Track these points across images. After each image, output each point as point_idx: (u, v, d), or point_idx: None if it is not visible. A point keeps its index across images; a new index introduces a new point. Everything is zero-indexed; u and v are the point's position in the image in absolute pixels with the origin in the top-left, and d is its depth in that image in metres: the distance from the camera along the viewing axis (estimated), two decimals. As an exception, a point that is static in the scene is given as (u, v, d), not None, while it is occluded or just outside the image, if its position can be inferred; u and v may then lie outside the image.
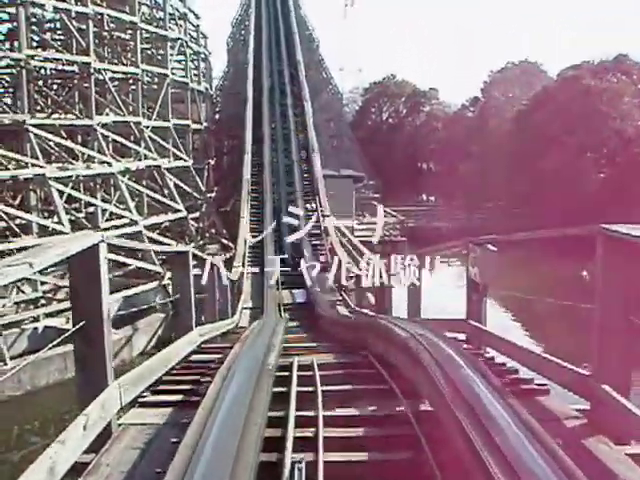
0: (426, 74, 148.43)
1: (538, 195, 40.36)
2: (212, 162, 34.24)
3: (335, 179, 34.13)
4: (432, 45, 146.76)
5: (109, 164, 23.30)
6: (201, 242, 30.63)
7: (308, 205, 26.03)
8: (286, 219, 25.01)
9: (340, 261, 19.18)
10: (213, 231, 32.00)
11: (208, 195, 32.35)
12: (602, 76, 41.79)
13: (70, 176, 22.93)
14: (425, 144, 66.20)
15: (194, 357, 7.53)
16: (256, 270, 21.67)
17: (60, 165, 22.93)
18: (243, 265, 20.78)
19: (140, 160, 25.64)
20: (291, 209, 25.69)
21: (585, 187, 39.28)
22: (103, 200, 25.24)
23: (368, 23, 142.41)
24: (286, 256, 22.83)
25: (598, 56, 45.85)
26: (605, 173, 40.06)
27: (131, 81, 26.47)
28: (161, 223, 26.73)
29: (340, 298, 18.78)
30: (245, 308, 18.26)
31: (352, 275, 18.13)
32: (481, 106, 61.33)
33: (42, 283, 21.74)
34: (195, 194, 29.31)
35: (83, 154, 24.21)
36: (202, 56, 33.54)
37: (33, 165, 21.08)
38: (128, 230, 23.58)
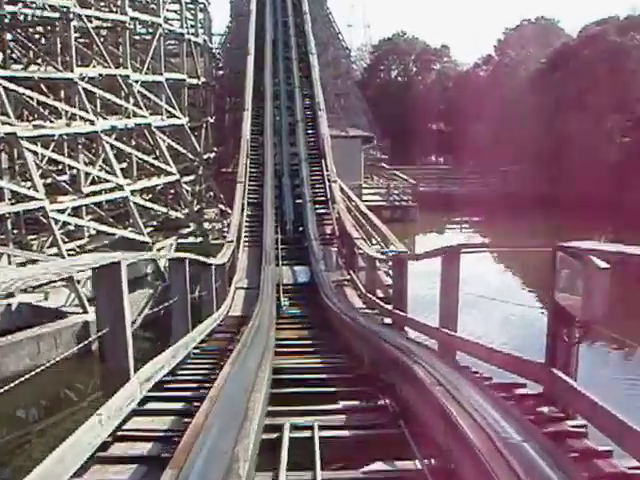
0: (437, 31, 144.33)
1: (557, 159, 37.45)
2: (212, 120, 31.28)
3: (343, 139, 31.27)
4: (443, 1, 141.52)
5: (92, 122, 20.51)
6: (197, 207, 27.98)
7: (313, 168, 23.24)
8: (288, 184, 22.34)
9: (349, 235, 16.50)
10: (211, 195, 29.29)
11: (207, 156, 29.53)
12: (630, 32, 38.46)
13: (49, 135, 20.20)
14: (435, 104, 62.99)
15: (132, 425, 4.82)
16: (253, 242, 19.05)
17: (35, 123, 20.18)
18: (238, 238, 18.13)
19: (128, 118, 22.82)
20: (294, 173, 23.05)
21: (608, 151, 36.41)
22: (88, 162, 22.55)
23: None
24: (288, 227, 20.18)
25: (624, 11, 42.64)
26: (630, 137, 37.03)
27: (119, 30, 23.51)
28: (152, 187, 24.04)
29: (348, 278, 16.15)
30: (239, 288, 15.66)
31: (362, 252, 15.49)
32: (495, 65, 57.98)
33: (15, 256, 19.25)
34: (190, 155, 26.50)
35: (67, 112, 21.42)
36: (200, 6, 30.40)
37: (3, 123, 18.31)
38: (113, 195, 20.91)
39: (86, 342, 4.72)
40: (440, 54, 67.45)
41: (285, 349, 8.96)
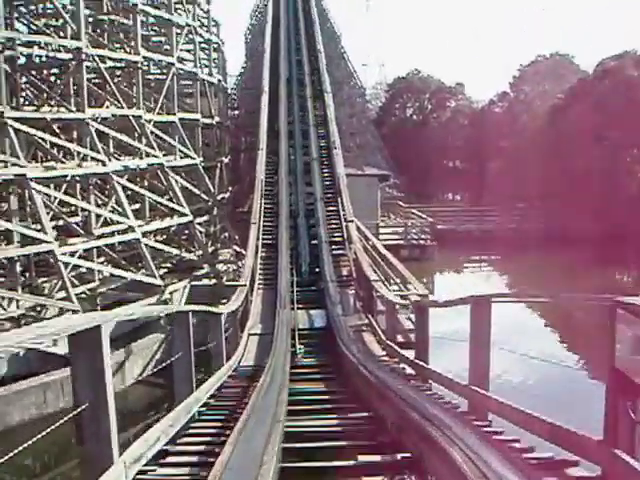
0: (451, 69, 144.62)
1: (576, 195, 36.65)
2: (226, 160, 30.83)
3: (359, 178, 30.72)
4: (457, 39, 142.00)
5: (103, 163, 20.03)
6: (212, 248, 27.38)
7: (329, 208, 22.62)
8: (304, 224, 21.70)
9: (367, 277, 15.77)
10: (226, 235, 28.71)
11: (221, 196, 29.00)
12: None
13: (59, 176, 19.75)
14: (451, 141, 62.56)
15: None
16: (268, 285, 18.35)
17: (46, 164, 19.74)
18: (252, 281, 17.43)
19: (141, 158, 22.35)
20: (310, 213, 22.43)
21: (627, 187, 35.66)
22: (99, 204, 22.06)
23: (391, 17, 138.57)
24: (304, 268, 19.48)
25: None
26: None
27: (132, 70, 23.18)
28: (166, 228, 23.49)
29: (366, 322, 15.37)
30: (253, 334, 14.92)
31: (380, 294, 14.75)
32: (510, 101, 57.56)
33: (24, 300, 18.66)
34: (203, 195, 25.96)
35: (79, 154, 21.01)
36: (214, 45, 30.12)
37: (13, 165, 17.87)
38: (125, 237, 20.35)
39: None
40: (455, 92, 67.11)
41: (299, 406, 8.22)
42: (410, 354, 13.97)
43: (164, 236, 26.36)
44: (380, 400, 7.16)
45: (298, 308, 16.60)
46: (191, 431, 6.68)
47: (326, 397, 9.05)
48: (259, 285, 18.22)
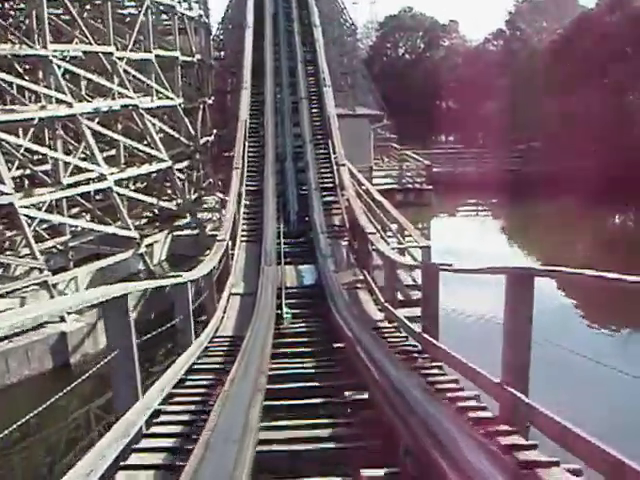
0: (445, 7, 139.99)
1: (578, 136, 34.56)
2: (209, 101, 28.55)
3: (350, 119, 28.51)
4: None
5: (69, 104, 17.86)
6: (195, 195, 25.38)
7: (319, 151, 20.56)
8: (292, 169, 19.68)
9: (362, 228, 13.83)
10: (211, 182, 26.67)
11: (205, 140, 26.85)
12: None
13: (22, 121, 17.63)
14: (444, 81, 60.03)
15: None
16: (252, 236, 16.43)
17: (5, 107, 17.58)
18: (234, 233, 15.52)
19: (114, 100, 20.16)
20: (298, 156, 20.38)
21: (632, 128, 33.52)
22: (68, 151, 19.94)
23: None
24: (292, 217, 17.55)
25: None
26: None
27: (102, 3, 20.76)
28: (145, 175, 21.42)
29: (361, 278, 13.52)
30: (235, 294, 13.07)
31: (377, 249, 12.88)
32: (507, 39, 54.91)
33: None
34: (183, 139, 23.80)
35: (47, 97, 18.78)
36: (194, -23, 27.61)
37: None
38: (95, 187, 18.32)
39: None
40: (448, 30, 64.36)
41: (281, 401, 6.46)
42: (408, 312, 12.30)
43: (144, 184, 24.35)
44: (387, 404, 5.33)
45: (286, 263, 14.74)
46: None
47: (316, 388, 7.24)
48: (242, 237, 16.30)
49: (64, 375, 14.94)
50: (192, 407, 6.20)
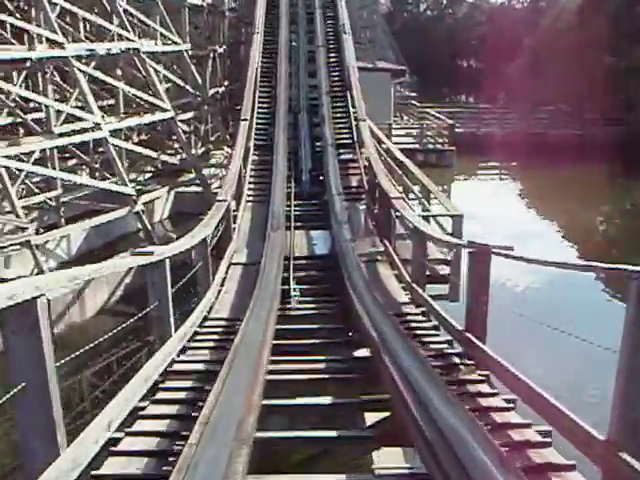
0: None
1: (610, 100, 32.15)
2: (220, 50, 26.30)
3: (370, 73, 26.22)
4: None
5: (61, 45, 15.81)
6: (202, 150, 23.38)
7: (337, 104, 18.43)
8: (306, 123, 17.61)
9: (385, 192, 11.80)
10: (219, 136, 24.60)
11: (214, 91, 24.72)
12: None
13: (6, 61, 15.62)
14: (466, 39, 57.34)
15: None
16: (259, 197, 14.46)
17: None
18: (240, 192, 13.57)
19: (112, 41, 18.09)
20: (313, 109, 18.29)
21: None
22: (61, 98, 17.98)
23: None
24: (304, 177, 15.55)
25: None
26: None
27: None
28: (142, 126, 19.41)
29: (381, 250, 11.56)
30: (236, 264, 11.17)
31: (400, 215, 10.93)
32: (534, -5, 51.88)
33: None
34: (189, 88, 21.69)
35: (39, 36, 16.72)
36: None
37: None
38: (88, 136, 16.35)
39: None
40: (472, -15, 61.24)
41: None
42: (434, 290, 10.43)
43: (148, 136, 22.36)
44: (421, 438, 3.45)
45: (296, 228, 12.81)
46: None
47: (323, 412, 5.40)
48: (248, 197, 14.34)
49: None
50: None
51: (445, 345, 6.92)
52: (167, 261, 6.34)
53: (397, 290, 9.69)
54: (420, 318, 8.29)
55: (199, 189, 20.01)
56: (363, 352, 7.33)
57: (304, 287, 9.95)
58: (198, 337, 7.57)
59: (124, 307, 14.87)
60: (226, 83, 26.93)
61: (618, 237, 22.59)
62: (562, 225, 22.76)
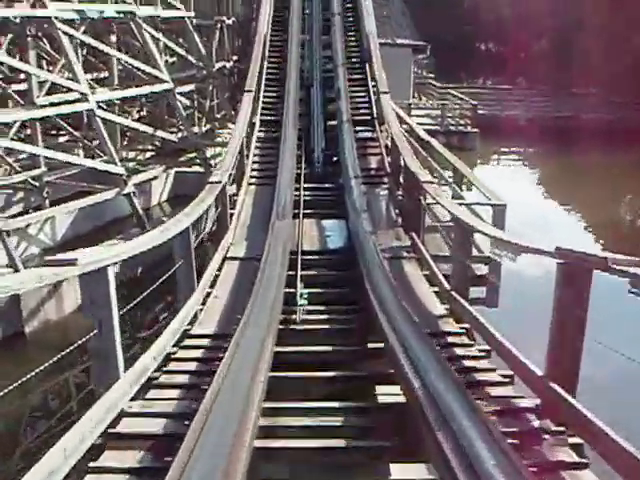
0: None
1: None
2: (229, 22, 24.04)
3: (389, 48, 23.91)
4: None
5: (43, 4, 13.67)
6: (207, 127, 21.24)
7: (354, 76, 16.23)
8: (319, 97, 15.43)
9: (413, 174, 9.61)
10: (224, 114, 22.41)
11: (221, 65, 22.51)
12: None
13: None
14: (486, 21, 54.63)
15: None
16: (263, 178, 12.31)
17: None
18: (241, 173, 11.46)
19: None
20: (328, 82, 16.12)
21: None
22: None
23: None
24: (316, 156, 13.39)
25: None
26: None
27: None
28: (141, 99, 17.30)
29: (408, 245, 9.43)
30: (231, 259, 9.07)
31: (430, 203, 8.82)
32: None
33: None
34: (191, 59, 19.49)
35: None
36: None
37: None
38: (73, 108, 14.24)
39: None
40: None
41: None
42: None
43: (148, 112, 20.26)
44: None
45: (306, 216, 10.68)
46: None
47: None
48: (252, 179, 12.21)
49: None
50: None
51: (513, 395, 4.81)
52: (110, 270, 4.23)
53: (429, 297, 7.57)
54: (466, 341, 6.19)
55: (202, 170, 17.91)
56: (393, 393, 5.25)
57: (314, 291, 7.87)
58: (163, 372, 5.50)
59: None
60: (235, 58, 24.69)
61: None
62: (590, 215, 20.57)
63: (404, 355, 5.31)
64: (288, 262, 8.39)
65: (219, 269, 8.53)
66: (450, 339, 6.27)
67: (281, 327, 6.63)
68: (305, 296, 7.44)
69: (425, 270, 8.58)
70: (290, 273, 8.16)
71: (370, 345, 6.51)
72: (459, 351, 5.89)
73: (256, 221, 10.40)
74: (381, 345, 6.14)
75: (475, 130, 24.69)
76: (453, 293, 6.92)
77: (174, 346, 6.10)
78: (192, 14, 19.64)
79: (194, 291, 7.17)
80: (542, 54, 41.95)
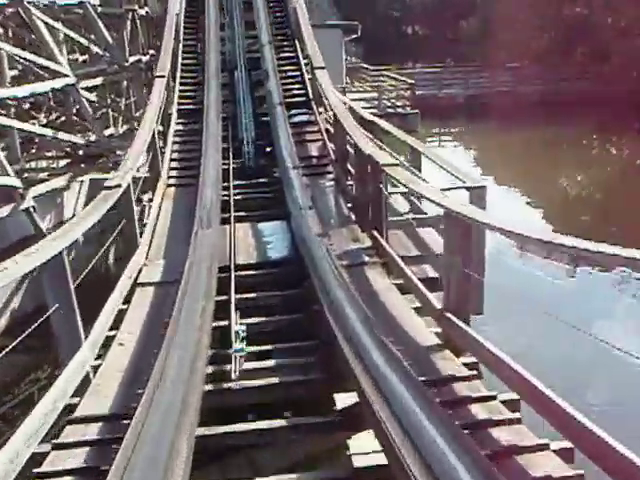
0: None
1: (575, 53, 28.50)
2: (142, 11, 21.39)
3: (318, 30, 21.61)
4: None
5: None
6: (124, 128, 18.75)
7: (283, 55, 14.04)
8: (245, 80, 13.20)
9: (368, 158, 7.47)
10: (142, 112, 19.86)
11: (137, 59, 19.91)
12: None
13: None
14: (411, 5, 53.17)
15: None
16: (184, 178, 10.02)
17: None
18: (154, 174, 9.19)
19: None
20: (254, 64, 13.90)
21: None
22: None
23: None
24: (246, 148, 11.19)
25: None
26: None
27: None
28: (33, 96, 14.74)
29: (369, 246, 7.35)
30: (143, 284, 6.82)
31: (399, 189, 6.73)
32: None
33: None
34: (97, 50, 16.93)
35: None
36: None
37: None
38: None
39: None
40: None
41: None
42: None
43: (59, 116, 17.71)
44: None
45: (238, 220, 8.47)
46: None
47: None
48: (169, 180, 9.91)
49: None
50: None
51: None
52: None
53: (409, 317, 5.54)
54: (482, 391, 4.14)
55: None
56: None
57: (254, 321, 5.73)
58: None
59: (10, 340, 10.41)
60: (152, 52, 22.14)
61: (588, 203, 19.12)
62: (531, 191, 19.05)
63: (402, 437, 3.23)
64: (216, 283, 6.22)
65: (126, 300, 6.30)
66: (457, 387, 4.21)
67: (210, 389, 4.48)
68: (242, 334, 5.27)
69: (395, 278, 6.55)
70: (221, 298, 6.02)
71: (341, 404, 4.41)
72: (476, 411, 3.83)
73: (175, 231, 8.13)
74: (356, 407, 4.06)
75: (415, 111, 22.75)
76: (449, 315, 4.85)
77: (43, 442, 3.88)
78: (97, 2, 17.10)
79: (82, 342, 4.92)
80: (470, 32, 40.60)
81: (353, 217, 8.38)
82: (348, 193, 8.99)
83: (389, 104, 24.21)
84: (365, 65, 31.73)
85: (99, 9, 17.40)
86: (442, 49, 44.50)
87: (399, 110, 23.28)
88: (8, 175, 11.63)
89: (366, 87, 27.22)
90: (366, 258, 7.07)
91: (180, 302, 5.58)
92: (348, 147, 9.63)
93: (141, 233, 7.64)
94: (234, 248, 7.47)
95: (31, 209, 11.79)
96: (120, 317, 5.98)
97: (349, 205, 8.78)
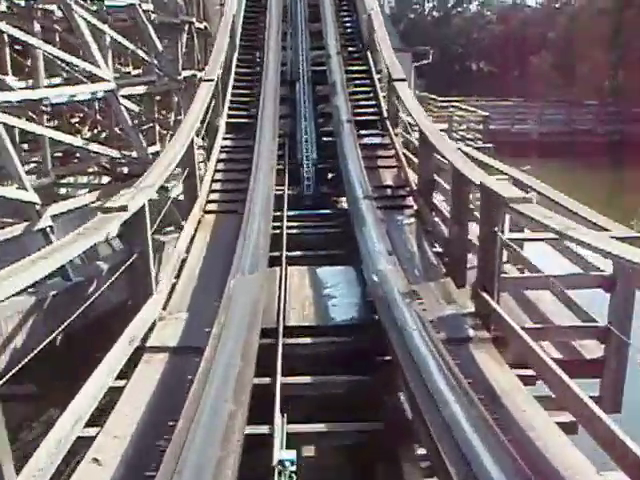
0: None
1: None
2: (200, 25, 19.79)
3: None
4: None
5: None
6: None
7: (352, 68, 11.95)
8: (308, 95, 11.18)
9: (467, 180, 5.29)
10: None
11: (191, 74, 18.23)
12: None
13: None
14: (476, 41, 51.19)
15: None
16: (227, 204, 7.97)
17: None
18: (192, 196, 7.18)
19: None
20: (319, 77, 11.87)
21: None
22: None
23: None
24: (305, 173, 9.08)
25: None
26: None
27: None
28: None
29: (472, 311, 5.13)
30: (154, 350, 4.68)
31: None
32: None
33: None
34: (144, 55, 15.17)
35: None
36: None
37: None
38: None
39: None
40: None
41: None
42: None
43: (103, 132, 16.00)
44: None
45: (291, 262, 6.31)
46: None
47: None
48: (209, 205, 7.87)
49: None
50: None
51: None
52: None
53: (551, 434, 3.26)
54: None
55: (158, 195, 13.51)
56: None
57: (312, 430, 3.58)
58: None
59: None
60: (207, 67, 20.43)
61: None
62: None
63: None
64: (255, 362, 4.08)
65: (121, 375, 4.21)
66: None
67: None
68: (291, 467, 3.09)
69: (512, 358, 4.34)
70: (261, 381, 3.90)
71: None
72: None
73: (208, 273, 6.04)
74: None
75: (489, 144, 20.53)
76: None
77: None
78: (150, 6, 15.41)
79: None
80: (536, 70, 38.45)
81: (442, 268, 6.17)
82: (436, 234, 6.78)
83: (457, 137, 22.05)
84: (432, 96, 29.56)
85: (152, 16, 15.74)
86: (507, 85, 42.45)
87: (470, 143, 21.06)
88: (25, 189, 9.75)
89: (434, 117, 25.08)
90: (470, 331, 4.86)
91: (195, 398, 3.45)
92: (435, 176, 7.45)
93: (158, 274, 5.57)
94: (285, 302, 5.33)
95: (47, 229, 9.87)
96: (109, 405, 3.90)
97: (435, 250, 6.57)
